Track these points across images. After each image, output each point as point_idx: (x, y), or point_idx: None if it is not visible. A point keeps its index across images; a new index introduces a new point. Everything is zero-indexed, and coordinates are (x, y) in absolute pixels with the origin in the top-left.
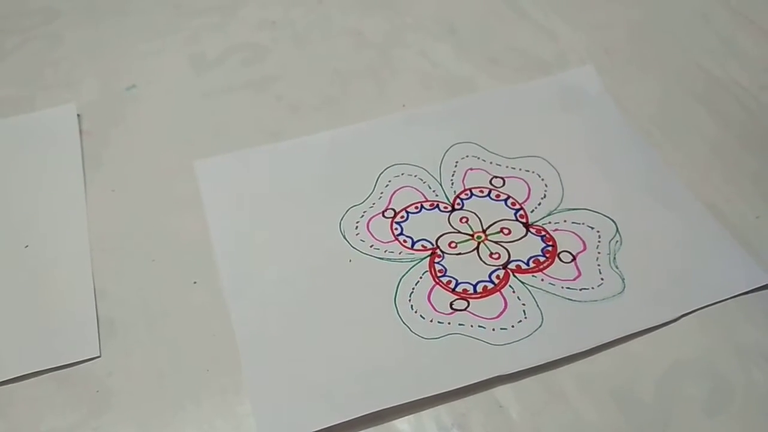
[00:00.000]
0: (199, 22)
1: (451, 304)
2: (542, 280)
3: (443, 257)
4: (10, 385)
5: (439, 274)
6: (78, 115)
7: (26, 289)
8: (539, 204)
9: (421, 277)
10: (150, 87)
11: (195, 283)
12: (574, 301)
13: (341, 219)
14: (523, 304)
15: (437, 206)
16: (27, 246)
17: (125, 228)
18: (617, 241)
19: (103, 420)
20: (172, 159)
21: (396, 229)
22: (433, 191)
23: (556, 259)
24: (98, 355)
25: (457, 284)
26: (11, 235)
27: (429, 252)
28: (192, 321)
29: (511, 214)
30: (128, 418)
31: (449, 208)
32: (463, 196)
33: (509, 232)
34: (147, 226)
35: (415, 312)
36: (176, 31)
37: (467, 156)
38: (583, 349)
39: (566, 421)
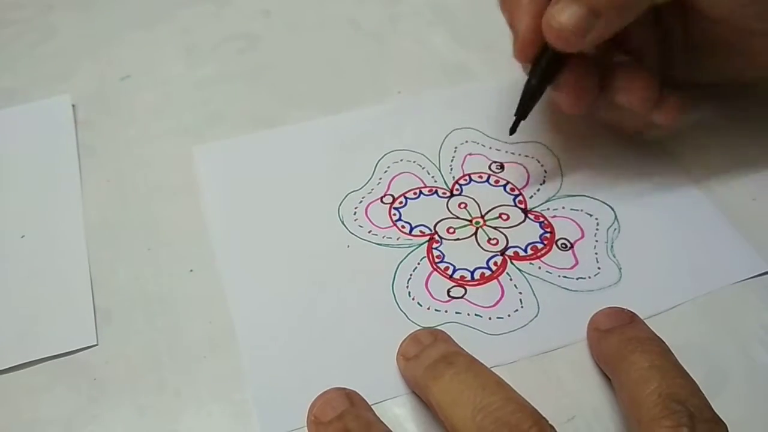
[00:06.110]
0: (193, 11)
1: (448, 291)
2: (539, 268)
3: (441, 243)
4: (7, 374)
5: (437, 260)
6: (73, 106)
7: (23, 279)
8: (538, 190)
9: (419, 263)
10: (144, 77)
11: (191, 271)
12: (571, 290)
13: (340, 204)
14: (520, 293)
15: (436, 192)
16: (23, 236)
17: (120, 217)
18: (615, 229)
19: (100, 408)
20: (167, 148)
21: (394, 214)
22: (432, 177)
23: (554, 246)
24: (95, 343)
25: (454, 270)
26: (7, 226)
27: (427, 237)
28: (188, 309)
29: (510, 199)
30: (126, 406)
31: (448, 194)
32: (462, 181)
33: (508, 218)
34: (142, 215)
35: (413, 299)
36: (170, 21)
37: (466, 141)
38: (579, 340)
39: (562, 405)
